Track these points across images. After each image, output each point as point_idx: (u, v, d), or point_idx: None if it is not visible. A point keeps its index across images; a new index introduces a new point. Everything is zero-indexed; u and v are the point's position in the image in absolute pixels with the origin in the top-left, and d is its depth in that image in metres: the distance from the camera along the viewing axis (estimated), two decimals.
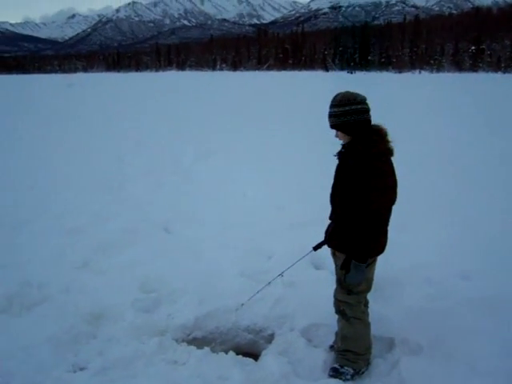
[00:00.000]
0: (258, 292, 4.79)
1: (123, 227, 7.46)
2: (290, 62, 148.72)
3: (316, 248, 4.25)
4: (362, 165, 3.52)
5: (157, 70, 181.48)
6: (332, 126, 3.76)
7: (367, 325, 4.06)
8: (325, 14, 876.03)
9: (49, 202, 9.11)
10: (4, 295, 5.27)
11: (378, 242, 3.73)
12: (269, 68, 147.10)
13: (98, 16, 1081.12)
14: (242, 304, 4.84)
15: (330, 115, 3.73)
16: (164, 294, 5.35)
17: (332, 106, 3.71)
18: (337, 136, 3.80)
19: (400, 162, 3.71)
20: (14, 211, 8.48)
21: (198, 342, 4.67)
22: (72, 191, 9.81)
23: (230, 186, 10.05)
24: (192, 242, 6.77)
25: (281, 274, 4.67)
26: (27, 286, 5.50)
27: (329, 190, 4.00)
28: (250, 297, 4.81)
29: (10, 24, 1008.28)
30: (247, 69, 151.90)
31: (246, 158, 12.83)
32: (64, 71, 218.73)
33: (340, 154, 3.81)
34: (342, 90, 3.79)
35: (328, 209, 3.98)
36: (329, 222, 4.07)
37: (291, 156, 12.84)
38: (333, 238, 3.95)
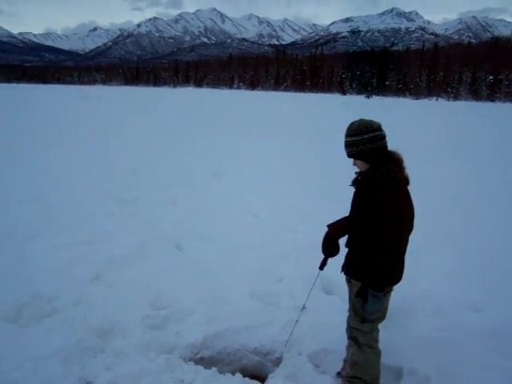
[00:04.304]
0: (294, 325, 4.71)
1: (135, 242, 7.47)
2: (308, 83, 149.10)
3: (322, 266, 4.24)
4: (379, 194, 3.52)
5: (174, 86, 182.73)
6: (350, 155, 3.75)
7: (378, 353, 4.03)
8: (344, 37, 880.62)
9: (60, 214, 9.11)
10: (14, 305, 5.29)
11: (394, 271, 3.72)
12: (286, 89, 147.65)
13: (120, 30, 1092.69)
14: (287, 341, 4.76)
15: (348, 144, 3.71)
16: (173, 312, 5.34)
17: (348, 135, 3.70)
18: (355, 164, 3.79)
19: (411, 190, 3.71)
20: (27, 223, 8.49)
21: (206, 362, 4.66)
22: (84, 204, 9.83)
23: (242, 206, 10.09)
24: (203, 261, 6.77)
25: (304, 307, 4.63)
26: (38, 297, 5.52)
27: (341, 215, 4.01)
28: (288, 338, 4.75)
29: (33, 34, 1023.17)
30: (264, 89, 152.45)
31: (259, 178, 12.87)
32: (83, 83, 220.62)
33: (357, 183, 3.82)
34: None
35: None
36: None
37: (305, 178, 12.85)
38: (349, 265, 3.94)
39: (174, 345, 4.78)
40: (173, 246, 7.53)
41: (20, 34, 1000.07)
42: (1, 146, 17.91)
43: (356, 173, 3.84)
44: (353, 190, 3.90)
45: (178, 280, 6.07)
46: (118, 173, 13.32)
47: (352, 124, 3.71)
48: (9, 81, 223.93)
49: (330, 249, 4.06)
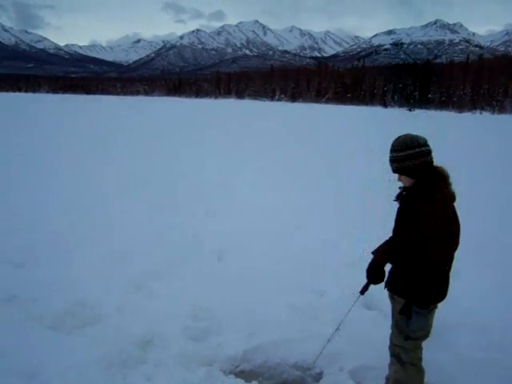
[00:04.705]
0: (328, 341, 4.62)
1: (175, 253, 7.53)
2: (349, 96, 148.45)
3: (363, 291, 4.15)
4: (424, 210, 3.45)
5: (216, 97, 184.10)
6: (395, 171, 3.72)
7: (422, 372, 3.94)
8: (386, 49, 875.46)
9: (102, 225, 9.23)
10: (57, 313, 5.39)
11: (439, 288, 3.64)
12: (327, 101, 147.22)
13: (163, 42, 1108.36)
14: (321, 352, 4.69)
15: (392, 160, 3.68)
16: (214, 324, 5.34)
17: (393, 150, 3.67)
18: (399, 180, 3.75)
19: (458, 205, 3.64)
20: (70, 233, 8.62)
21: (246, 375, 4.64)
22: (125, 215, 9.93)
23: (283, 218, 10.04)
24: (243, 273, 6.76)
25: (338, 329, 4.54)
26: (80, 305, 5.61)
27: (387, 231, 3.95)
28: (321, 351, 4.66)
29: (79, 46, 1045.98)
30: (305, 100, 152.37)
31: (300, 191, 12.84)
32: (125, 94, 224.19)
33: (401, 198, 3.76)
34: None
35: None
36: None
37: (347, 192, 12.77)
38: (393, 282, 3.88)
39: (214, 357, 4.77)
40: (214, 258, 7.54)
41: (66, 45, 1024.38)
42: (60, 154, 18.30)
43: (400, 188, 3.79)
44: (397, 205, 3.83)
45: (218, 292, 6.06)
46: (156, 184, 13.48)
47: (397, 139, 3.68)
48: (55, 91, 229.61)
49: (375, 276, 3.96)
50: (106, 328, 5.17)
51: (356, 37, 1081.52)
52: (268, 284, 6.38)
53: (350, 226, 9.42)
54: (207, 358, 4.75)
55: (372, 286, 4.08)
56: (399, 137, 3.70)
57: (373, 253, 3.97)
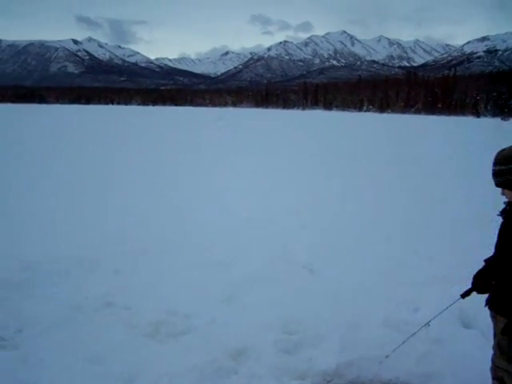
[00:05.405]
0: (403, 343, 4.60)
1: (267, 264, 7.57)
2: (439, 105, 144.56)
3: (464, 295, 3.98)
4: None
5: (303, 109, 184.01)
6: (498, 185, 3.56)
7: None
8: (479, 57, 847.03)
9: (193, 234, 9.38)
10: (152, 321, 5.55)
11: None
12: (416, 111, 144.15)
13: (250, 53, 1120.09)
14: (387, 356, 4.66)
15: (496, 173, 3.52)
16: (306, 337, 5.29)
17: (496, 163, 3.51)
18: (503, 194, 3.58)
19: None
20: (160, 240, 8.84)
21: None
22: (215, 226, 10.04)
23: (373, 230, 9.93)
24: (336, 286, 6.69)
25: (427, 324, 4.46)
26: (174, 314, 5.74)
27: (490, 247, 3.86)
28: (394, 349, 4.64)
29: (169, 59, 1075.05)
30: (394, 111, 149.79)
31: (391, 204, 12.68)
32: (214, 105, 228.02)
33: (506, 213, 3.59)
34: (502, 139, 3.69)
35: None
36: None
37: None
38: (495, 300, 3.69)
39: (306, 371, 4.72)
40: (305, 270, 7.52)
41: (157, 59, 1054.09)
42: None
43: (505, 203, 3.62)
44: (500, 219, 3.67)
45: (310, 304, 6.02)
46: (248, 196, 13.66)
47: (501, 151, 3.53)
48: (145, 103, 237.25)
49: (482, 286, 3.79)
50: (198, 338, 5.24)
51: (447, 45, 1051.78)
52: (361, 298, 6.29)
53: (442, 239, 9.21)
54: (299, 371, 4.70)
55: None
56: (503, 149, 3.54)
57: (485, 260, 3.84)
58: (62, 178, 16.30)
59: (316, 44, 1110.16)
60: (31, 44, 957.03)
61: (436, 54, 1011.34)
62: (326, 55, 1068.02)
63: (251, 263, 7.63)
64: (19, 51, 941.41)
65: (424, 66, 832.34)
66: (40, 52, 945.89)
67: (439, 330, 4.60)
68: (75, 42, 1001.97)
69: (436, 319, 4.52)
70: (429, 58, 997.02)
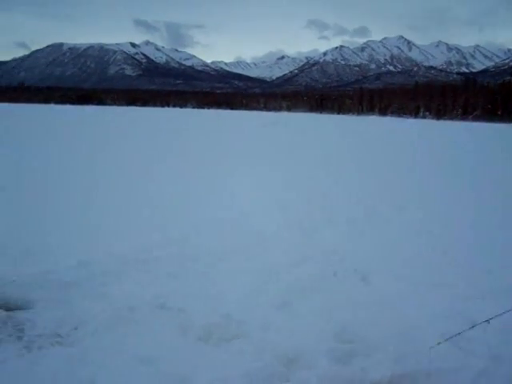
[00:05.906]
0: (457, 334, 4.51)
1: (320, 271, 7.55)
2: (499, 113, 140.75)
3: None
4: None
5: (358, 114, 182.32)
6: None
7: None
8: None
9: (244, 239, 9.42)
10: (205, 325, 5.60)
11: None
12: (474, 118, 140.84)
13: (306, 58, 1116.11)
14: (439, 343, 4.52)
15: None
16: (359, 347, 5.23)
17: None
18: None
19: None
20: (212, 246, 8.86)
21: None
22: (267, 231, 10.05)
23: (431, 241, 9.68)
24: (390, 296, 6.61)
25: (487, 321, 4.35)
26: (227, 318, 5.76)
27: None
28: (448, 338, 4.56)
29: (225, 63, 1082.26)
30: (452, 118, 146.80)
31: (451, 216, 12.42)
32: (268, 109, 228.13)
33: None
34: None
35: None
36: None
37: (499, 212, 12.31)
38: None
39: (359, 381, 4.66)
40: (359, 278, 7.44)
41: (213, 62, 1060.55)
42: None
43: None
44: None
45: (363, 314, 5.96)
46: (299, 201, 13.70)
47: None
48: (200, 106, 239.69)
49: None
50: (250, 343, 5.25)
51: (509, 50, 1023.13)
52: (416, 309, 6.19)
53: (501, 251, 9.00)
54: (352, 381, 4.65)
55: None
56: None
57: None
58: (126, 177, 16.88)
59: (372, 49, 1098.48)
60: (91, 47, 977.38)
61: (497, 60, 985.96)
62: (382, 60, 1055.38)
63: (304, 270, 7.63)
64: (79, 54, 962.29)
65: (484, 71, 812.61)
66: (99, 55, 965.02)
67: (499, 345, 4.51)
68: (133, 45, 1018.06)
69: (498, 336, 4.46)
70: (489, 64, 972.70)
